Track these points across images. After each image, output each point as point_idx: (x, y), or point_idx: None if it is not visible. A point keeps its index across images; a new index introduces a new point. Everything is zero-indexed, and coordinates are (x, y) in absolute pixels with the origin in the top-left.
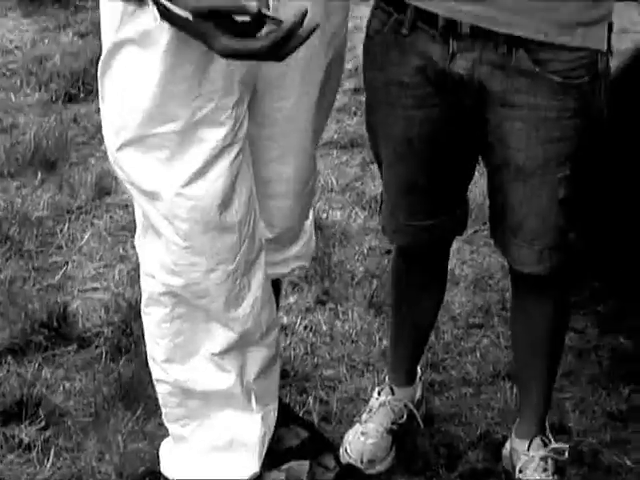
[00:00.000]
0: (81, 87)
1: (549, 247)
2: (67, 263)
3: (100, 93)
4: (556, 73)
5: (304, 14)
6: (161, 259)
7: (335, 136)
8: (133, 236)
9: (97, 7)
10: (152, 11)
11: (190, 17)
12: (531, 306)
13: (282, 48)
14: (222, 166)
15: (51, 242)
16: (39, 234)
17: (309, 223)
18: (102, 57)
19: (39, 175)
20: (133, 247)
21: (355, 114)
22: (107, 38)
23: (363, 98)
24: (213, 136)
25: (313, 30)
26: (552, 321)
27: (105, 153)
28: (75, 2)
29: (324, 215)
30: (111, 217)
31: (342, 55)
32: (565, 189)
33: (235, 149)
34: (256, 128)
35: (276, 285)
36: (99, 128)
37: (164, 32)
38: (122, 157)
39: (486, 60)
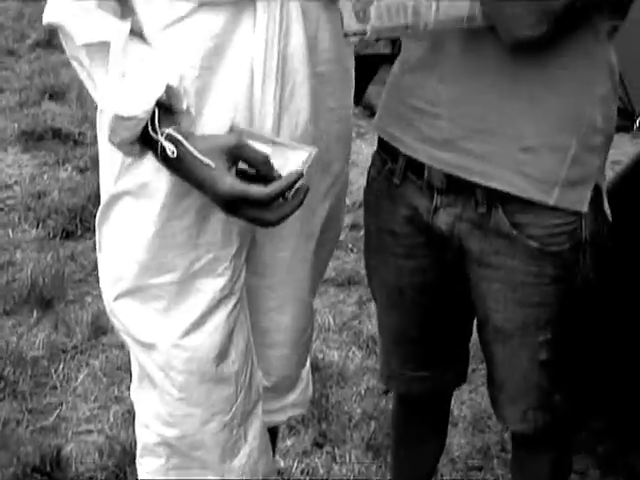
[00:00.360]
0: (78, 224)
1: (533, 407)
2: (61, 404)
3: (97, 242)
4: (534, 238)
5: (300, 174)
6: (156, 409)
7: (332, 273)
8: (129, 377)
9: (96, 142)
10: (156, 156)
11: (212, 164)
12: (526, 461)
13: (281, 205)
14: (220, 317)
15: (45, 382)
16: (34, 374)
17: (306, 370)
18: (100, 207)
19: (35, 313)
20: (128, 388)
21: (352, 251)
22: (105, 189)
23: (360, 234)
24: (211, 287)
25: (306, 193)
26: (549, 477)
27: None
28: (74, 137)
29: (321, 355)
30: (107, 357)
31: (342, 203)
32: (547, 352)
33: (233, 300)
34: (255, 278)
35: (273, 431)
36: (96, 265)
37: (162, 184)
38: (118, 307)
39: (466, 218)
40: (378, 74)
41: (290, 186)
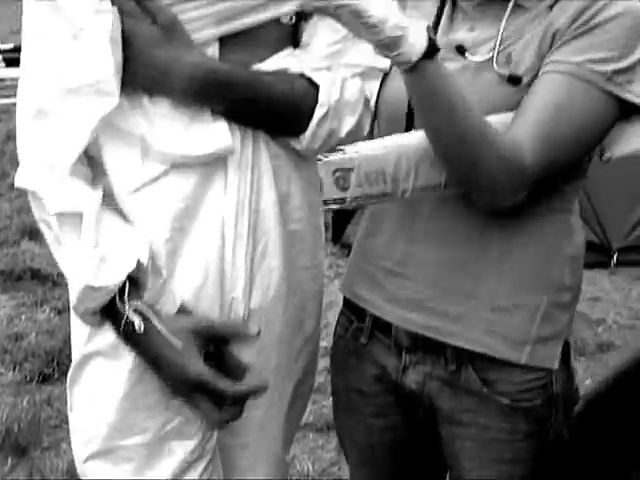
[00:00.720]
0: (55, 367)
1: None
2: None
3: (69, 402)
4: (505, 395)
5: (264, 387)
6: None
7: (311, 418)
8: None
9: None
10: (116, 329)
11: (179, 345)
12: None
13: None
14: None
15: None
16: None
17: None
18: (71, 368)
19: (10, 461)
20: None
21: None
22: (76, 350)
23: None
24: (182, 449)
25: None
26: None
27: None
28: (53, 278)
29: None
30: None
31: (315, 358)
32: None
33: (204, 462)
34: (228, 437)
35: None
36: None
37: None
38: (89, 469)
39: (436, 376)
40: (357, 213)
41: (255, 392)
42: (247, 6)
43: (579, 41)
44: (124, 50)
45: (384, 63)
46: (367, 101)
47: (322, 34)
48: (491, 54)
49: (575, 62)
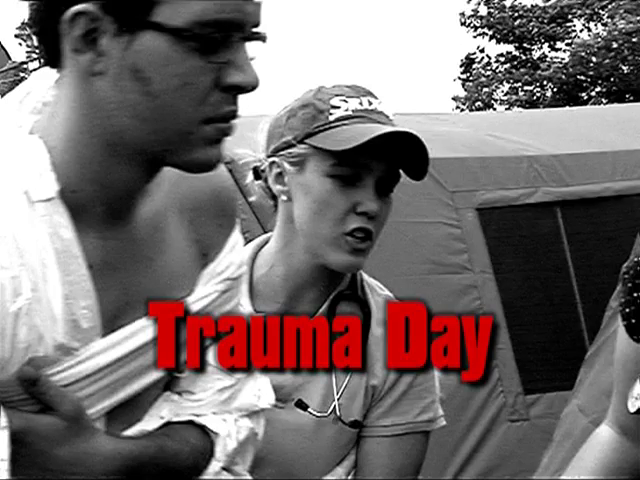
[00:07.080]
0: None
1: None
2: None
3: None
4: None
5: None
6: None
7: None
8: None
9: None
10: None
11: None
12: None
13: None
14: None
15: None
16: None
17: None
18: None
19: None
20: None
21: None
22: None
23: None
24: None
25: None
26: None
27: None
28: None
29: None
30: None
31: None
32: None
33: None
34: None
35: None
36: None
37: None
38: None
39: None
40: None
41: None
42: (143, 366)
43: None
44: (13, 453)
45: (268, 402)
46: (256, 436)
47: (208, 379)
48: (332, 407)
49: None
